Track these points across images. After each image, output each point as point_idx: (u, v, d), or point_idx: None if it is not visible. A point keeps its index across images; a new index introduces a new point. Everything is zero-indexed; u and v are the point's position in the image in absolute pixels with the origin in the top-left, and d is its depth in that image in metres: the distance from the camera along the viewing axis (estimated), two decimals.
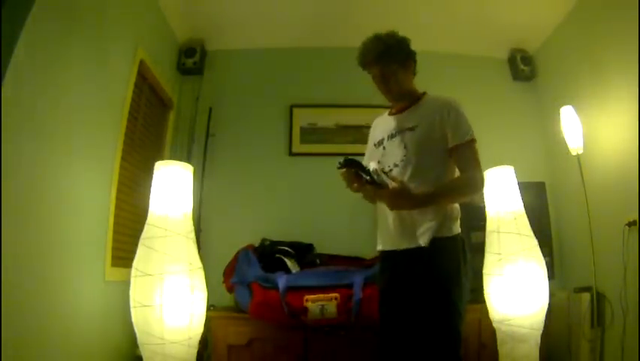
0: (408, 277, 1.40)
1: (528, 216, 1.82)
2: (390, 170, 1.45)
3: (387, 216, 1.46)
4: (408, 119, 1.49)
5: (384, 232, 1.50)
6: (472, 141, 1.43)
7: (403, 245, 1.42)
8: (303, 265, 2.19)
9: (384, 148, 1.52)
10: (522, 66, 3.00)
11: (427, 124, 1.45)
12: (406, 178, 1.40)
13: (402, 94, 1.52)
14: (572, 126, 2.29)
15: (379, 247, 1.54)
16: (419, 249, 1.38)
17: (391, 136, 1.51)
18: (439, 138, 1.43)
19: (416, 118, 1.48)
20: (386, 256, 1.51)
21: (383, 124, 1.59)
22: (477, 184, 1.41)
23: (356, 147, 2.45)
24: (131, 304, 1.51)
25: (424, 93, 1.56)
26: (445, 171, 1.45)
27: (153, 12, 2.50)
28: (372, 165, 1.32)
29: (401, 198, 1.32)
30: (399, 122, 1.51)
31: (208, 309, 1.70)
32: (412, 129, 1.46)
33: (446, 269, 1.37)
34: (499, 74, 3.08)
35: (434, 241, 1.37)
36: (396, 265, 1.45)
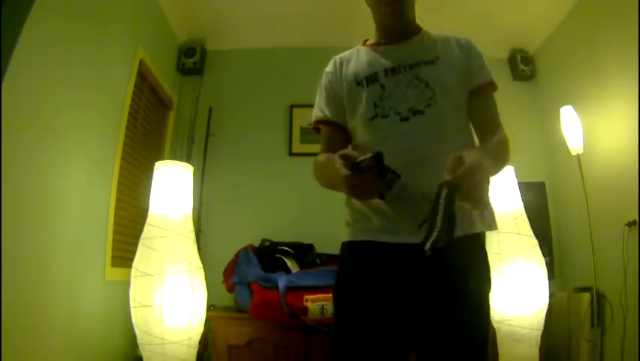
0: (455, 279, 0.96)
1: (528, 216, 1.81)
2: (404, 119, 1.00)
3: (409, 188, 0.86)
4: (420, 50, 1.08)
5: (391, 212, 0.93)
6: (494, 83, 1.12)
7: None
8: (303, 265, 2.19)
9: (382, 87, 1.05)
10: (522, 66, 3.00)
11: (448, 58, 1.07)
12: (436, 134, 0.99)
13: (410, 14, 1.11)
14: (572, 126, 2.29)
15: (367, 236, 1.01)
16: (474, 236, 0.99)
17: (394, 70, 1.06)
18: (461, 80, 1.07)
19: (432, 49, 1.08)
20: (396, 249, 0.95)
21: (367, 56, 1.13)
22: (508, 150, 1.04)
23: None
24: (131, 304, 1.51)
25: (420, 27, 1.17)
26: (469, 126, 1.10)
27: (153, 12, 2.50)
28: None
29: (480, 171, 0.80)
30: (404, 53, 1.08)
31: (208, 309, 1.70)
32: (431, 63, 1.05)
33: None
34: (499, 74, 3.01)
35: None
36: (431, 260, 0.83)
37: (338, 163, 0.83)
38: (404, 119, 1.00)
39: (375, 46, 1.15)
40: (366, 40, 1.20)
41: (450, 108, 1.02)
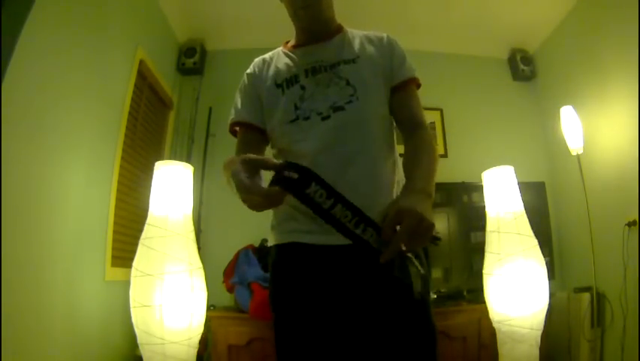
0: (372, 284, 0.92)
1: (528, 216, 1.81)
2: (326, 117, 0.98)
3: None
4: (340, 50, 1.08)
5: (310, 217, 0.88)
6: (417, 80, 1.10)
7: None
8: None
9: (302, 88, 1.03)
10: (522, 66, 3.00)
11: (369, 56, 1.07)
12: (358, 131, 0.97)
13: (327, 13, 1.11)
14: (572, 126, 2.29)
15: (294, 237, 0.99)
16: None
17: (315, 71, 1.05)
18: (382, 78, 1.06)
19: (351, 48, 1.09)
20: (315, 251, 0.94)
21: (287, 58, 1.13)
22: (436, 147, 1.02)
23: None
24: (131, 304, 1.51)
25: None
26: (392, 123, 1.09)
27: (153, 12, 2.50)
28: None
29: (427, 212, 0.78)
30: (324, 52, 1.08)
31: (208, 309, 1.70)
32: (352, 61, 1.05)
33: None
34: (499, 74, 3.09)
35: None
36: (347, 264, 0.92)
37: (242, 175, 0.76)
38: (325, 118, 0.98)
39: (295, 47, 1.14)
40: (287, 42, 1.19)
41: (371, 105, 1.01)
